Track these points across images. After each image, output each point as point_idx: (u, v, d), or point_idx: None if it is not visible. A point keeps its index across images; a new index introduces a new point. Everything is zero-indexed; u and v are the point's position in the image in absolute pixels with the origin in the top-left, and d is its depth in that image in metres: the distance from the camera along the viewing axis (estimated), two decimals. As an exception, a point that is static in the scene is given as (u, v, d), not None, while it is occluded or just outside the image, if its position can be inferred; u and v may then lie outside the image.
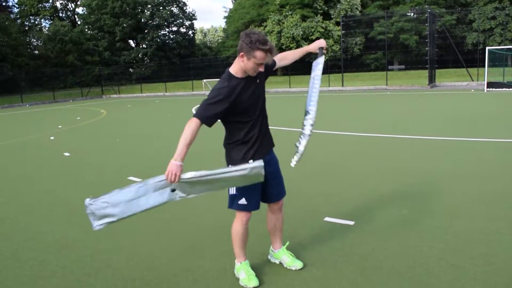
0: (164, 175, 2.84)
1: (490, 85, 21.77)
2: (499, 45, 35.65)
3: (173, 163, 2.83)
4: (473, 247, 3.47)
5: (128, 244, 3.95)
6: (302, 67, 48.11)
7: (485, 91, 21.33)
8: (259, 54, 2.76)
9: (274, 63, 3.26)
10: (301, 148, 3.04)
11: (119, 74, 49.98)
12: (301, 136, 3.11)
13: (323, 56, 3.23)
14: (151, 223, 4.46)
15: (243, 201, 3.04)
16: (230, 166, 2.96)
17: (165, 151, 8.93)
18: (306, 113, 3.14)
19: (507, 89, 21.12)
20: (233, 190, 3.05)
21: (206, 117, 2.82)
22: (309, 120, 3.05)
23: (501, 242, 3.55)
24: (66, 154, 9.07)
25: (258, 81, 3.01)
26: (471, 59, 33.04)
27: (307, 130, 3.05)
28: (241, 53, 2.81)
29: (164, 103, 26.38)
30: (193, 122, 2.83)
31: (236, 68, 2.91)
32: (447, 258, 3.31)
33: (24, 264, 3.65)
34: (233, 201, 3.08)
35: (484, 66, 23.31)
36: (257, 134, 3.01)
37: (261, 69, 2.88)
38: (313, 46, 3.32)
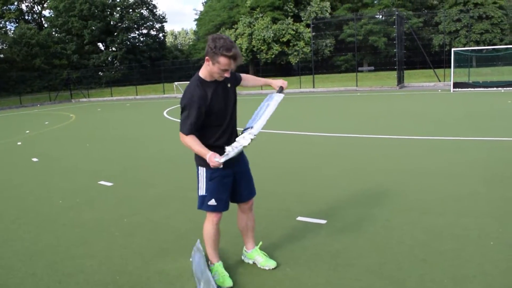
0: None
1: (456, 85, 22.39)
2: (464, 47, 36.73)
3: (208, 157, 2.81)
4: (442, 242, 3.58)
5: (101, 249, 3.90)
6: (274, 69, 48.45)
7: (452, 91, 21.92)
8: (222, 60, 2.78)
9: (240, 78, 3.32)
10: (232, 154, 2.96)
11: (88, 78, 49.09)
12: (236, 145, 2.94)
13: (281, 94, 3.24)
14: (124, 227, 4.41)
15: (212, 202, 3.06)
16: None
17: (136, 154, 8.85)
18: (248, 127, 3.01)
19: (472, 89, 21.77)
20: (202, 191, 3.08)
21: (189, 128, 2.89)
22: (251, 134, 2.92)
23: (469, 237, 3.67)
24: (35, 159, 8.88)
25: (229, 85, 3.05)
26: (437, 60, 33.93)
27: (246, 141, 2.92)
28: (207, 57, 2.84)
29: (135, 107, 26.07)
30: (185, 138, 2.92)
31: (205, 72, 2.94)
32: (417, 253, 3.41)
33: (-8, 272, 3.56)
34: (202, 202, 3.10)
35: (450, 67, 23.97)
36: (227, 139, 3.04)
37: (227, 74, 2.89)
38: (275, 83, 3.34)
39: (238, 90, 3.17)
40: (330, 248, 3.60)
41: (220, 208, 3.11)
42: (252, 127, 2.97)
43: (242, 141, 2.90)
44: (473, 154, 6.86)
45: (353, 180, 5.77)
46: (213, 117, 2.96)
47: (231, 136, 3.07)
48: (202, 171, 3.07)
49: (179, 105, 2.98)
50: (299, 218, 4.34)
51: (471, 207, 4.37)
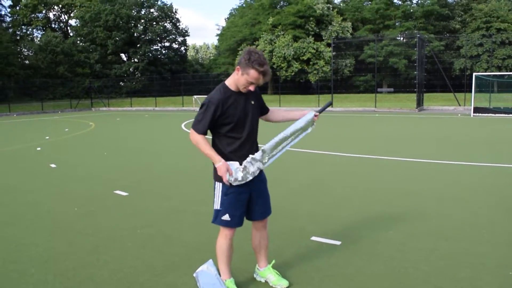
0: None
1: (476, 110, 22.15)
2: (485, 71, 36.37)
3: (219, 166, 2.93)
4: (458, 270, 3.49)
5: (113, 259, 3.90)
6: (293, 87, 48.60)
7: (472, 116, 21.68)
8: (252, 72, 2.85)
9: (267, 108, 3.35)
10: (249, 176, 3.04)
11: (109, 87, 49.90)
12: (255, 163, 3.06)
13: (312, 127, 3.31)
14: (136, 238, 4.41)
15: (226, 217, 3.06)
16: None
17: (153, 166, 8.90)
18: (271, 151, 3.13)
19: (493, 115, 21.49)
20: (217, 205, 3.09)
21: (201, 126, 2.95)
22: (259, 162, 3.06)
23: (486, 265, 3.57)
24: (53, 165, 8.99)
25: (252, 102, 3.09)
26: (458, 84, 33.65)
27: (263, 164, 3.09)
28: (238, 67, 2.91)
29: (154, 118, 26.34)
30: (196, 136, 2.98)
31: (231, 80, 3.01)
32: (432, 280, 3.33)
33: (4, 277, 3.58)
34: (216, 216, 3.11)
35: (471, 91, 23.74)
36: (246, 152, 3.05)
37: (252, 88, 2.95)
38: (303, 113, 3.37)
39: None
40: (344, 271, 3.54)
41: (234, 224, 3.10)
42: (263, 150, 3.08)
43: (251, 169, 3.02)
44: (491, 181, 6.73)
45: (369, 201, 5.69)
46: (230, 126, 2.99)
47: (250, 151, 3.09)
48: (219, 185, 3.08)
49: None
50: (313, 238, 4.29)
51: (489, 236, 4.27)
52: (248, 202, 3.15)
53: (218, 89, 3.00)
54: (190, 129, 3.03)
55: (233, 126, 3.00)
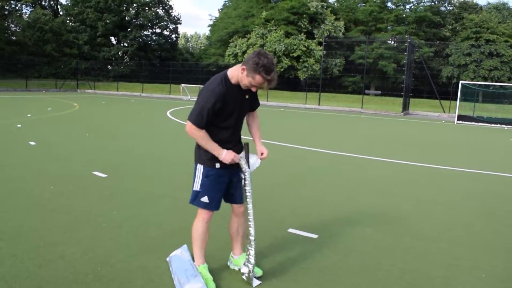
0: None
1: (460, 118, 22.43)
2: (472, 81, 36.80)
3: (225, 155, 2.95)
4: (433, 269, 3.51)
5: (86, 237, 3.82)
6: (281, 82, 48.54)
7: (455, 123, 21.93)
8: (258, 78, 2.78)
9: (257, 105, 3.27)
10: (246, 168, 3.07)
11: (96, 70, 49.21)
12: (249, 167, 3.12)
13: (257, 162, 3.20)
14: (112, 220, 4.34)
15: (205, 199, 3.05)
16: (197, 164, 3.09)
17: (134, 150, 8.80)
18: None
19: (476, 123, 21.78)
20: (197, 187, 3.07)
21: (200, 121, 2.87)
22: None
23: (461, 266, 3.60)
24: (32, 143, 8.82)
25: (247, 96, 3.04)
26: (444, 91, 34.00)
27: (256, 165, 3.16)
28: (244, 67, 2.82)
29: (140, 103, 26.06)
30: (196, 130, 2.89)
31: (234, 74, 2.93)
32: (406, 277, 3.33)
33: (-28, 249, 3.48)
34: (195, 197, 3.09)
35: (456, 99, 24.03)
36: (229, 143, 3.04)
37: (253, 89, 2.92)
38: (258, 149, 3.24)
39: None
40: (319, 264, 3.52)
41: (212, 206, 3.08)
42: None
43: (256, 164, 3.13)
44: (471, 186, 6.80)
45: (349, 198, 5.70)
46: (222, 117, 2.96)
47: (234, 141, 3.10)
48: (200, 167, 3.07)
49: (188, 106, 2.95)
50: (290, 230, 4.27)
51: (466, 238, 4.30)
52: (228, 187, 3.14)
53: (220, 81, 2.90)
54: (186, 121, 2.92)
55: (224, 118, 2.97)
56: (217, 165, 3.02)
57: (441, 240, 4.20)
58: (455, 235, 4.40)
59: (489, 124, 21.56)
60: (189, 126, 2.89)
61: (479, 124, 21.71)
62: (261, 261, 3.47)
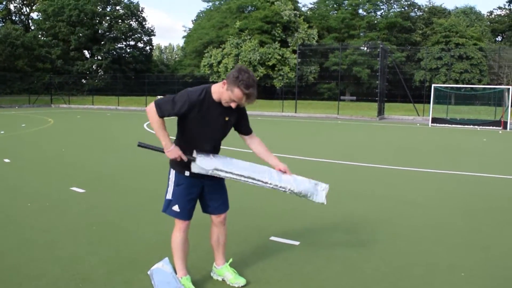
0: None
1: (434, 120, 22.90)
2: (444, 84, 37.64)
3: (172, 149, 2.95)
4: (413, 269, 3.58)
5: (67, 254, 3.77)
6: (258, 91, 48.83)
7: (430, 125, 22.38)
8: (237, 92, 2.79)
9: (248, 130, 3.26)
10: (196, 167, 3.01)
11: (70, 84, 48.52)
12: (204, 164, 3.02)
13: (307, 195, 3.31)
14: (92, 235, 4.29)
15: (176, 208, 3.06)
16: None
17: (111, 163, 8.71)
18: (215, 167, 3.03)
19: (449, 125, 22.27)
20: (169, 195, 3.09)
21: (163, 109, 2.88)
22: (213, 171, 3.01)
23: (439, 265, 3.68)
24: (6, 160, 8.64)
25: (226, 118, 3.02)
26: (418, 95, 34.71)
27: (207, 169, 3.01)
28: (225, 80, 2.85)
29: (116, 117, 25.81)
30: (156, 116, 2.90)
31: (216, 89, 2.94)
32: (390, 279, 3.39)
33: None
34: (167, 206, 3.11)
35: (429, 102, 24.54)
36: (189, 147, 3.04)
37: (233, 105, 2.89)
38: (277, 166, 3.33)
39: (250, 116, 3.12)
40: (302, 270, 3.55)
41: (183, 216, 3.09)
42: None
43: (206, 167, 2.95)
44: (448, 187, 6.94)
45: (329, 205, 5.72)
46: (192, 130, 2.99)
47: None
48: (172, 174, 3.10)
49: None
50: (272, 238, 4.29)
51: (445, 238, 4.39)
52: (202, 196, 3.16)
53: (201, 90, 2.92)
54: (152, 103, 2.94)
55: (193, 131, 2.99)
56: (187, 173, 3.04)
57: (421, 241, 4.29)
58: (434, 235, 4.49)
59: (462, 126, 22.07)
60: (151, 106, 2.91)
61: (453, 126, 22.20)
62: (244, 270, 3.48)
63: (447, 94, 26.57)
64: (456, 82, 44.26)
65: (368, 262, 3.72)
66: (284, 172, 3.24)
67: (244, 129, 3.23)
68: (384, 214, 5.26)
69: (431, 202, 5.92)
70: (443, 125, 22.40)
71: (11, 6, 61.31)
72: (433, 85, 24.69)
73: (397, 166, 8.89)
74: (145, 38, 63.85)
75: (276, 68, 48.53)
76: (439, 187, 6.94)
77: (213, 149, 3.12)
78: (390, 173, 8.25)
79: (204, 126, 2.98)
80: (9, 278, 3.29)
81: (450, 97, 28.78)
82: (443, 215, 5.29)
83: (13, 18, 61.48)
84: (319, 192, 3.29)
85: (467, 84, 42.67)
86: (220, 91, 2.90)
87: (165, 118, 2.91)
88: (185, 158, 2.95)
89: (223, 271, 3.34)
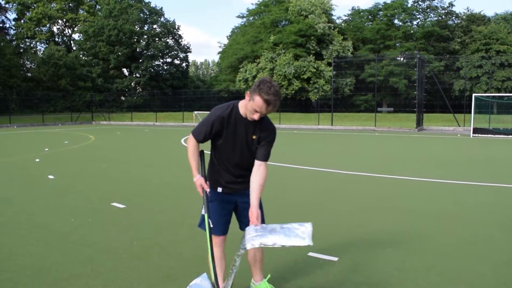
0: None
1: (476, 130, 22.20)
2: (485, 93, 36.53)
3: (196, 179, 3.05)
4: (456, 287, 3.45)
5: (107, 269, 3.85)
6: (293, 104, 48.83)
7: (471, 136, 21.71)
8: (257, 99, 2.82)
9: (264, 152, 3.03)
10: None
11: (110, 101, 50.04)
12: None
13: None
14: (132, 250, 4.37)
15: (210, 223, 3.07)
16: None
17: (151, 179, 8.87)
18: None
19: (492, 135, 21.52)
20: (203, 211, 3.11)
21: (198, 133, 3.03)
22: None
23: (484, 283, 3.53)
24: (51, 177, 8.95)
25: (254, 137, 3.03)
26: (457, 105, 33.78)
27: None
28: (247, 92, 2.92)
29: (154, 133, 26.36)
30: (192, 141, 3.07)
31: (242, 103, 3.01)
32: (430, 298, 3.28)
33: (-3, 286, 3.53)
34: (202, 221, 3.17)
35: (470, 112, 23.83)
36: (218, 180, 3.12)
37: (255, 117, 2.90)
38: (251, 215, 2.95)
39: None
40: (341, 286, 3.49)
41: (216, 231, 3.14)
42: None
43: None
44: (491, 200, 6.69)
45: (367, 218, 5.65)
46: (218, 145, 3.08)
47: (226, 179, 3.13)
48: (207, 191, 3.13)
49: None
50: (310, 254, 4.24)
51: (488, 254, 4.22)
52: (236, 213, 3.20)
53: (227, 105, 3.02)
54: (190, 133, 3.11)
55: (220, 147, 3.05)
56: (219, 189, 3.12)
57: (463, 257, 4.14)
58: (477, 251, 4.32)
59: (506, 136, 21.29)
60: (190, 137, 3.09)
61: (496, 136, 21.45)
62: (282, 286, 3.46)
63: (489, 103, 25.78)
64: (498, 90, 42.87)
65: (409, 279, 3.62)
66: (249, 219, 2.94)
67: (261, 153, 3.04)
68: (424, 229, 5.11)
69: (473, 216, 5.72)
70: (486, 135, 21.68)
71: (54, 28, 64.16)
72: (473, 95, 24.00)
73: (438, 179, 8.65)
74: (182, 55, 65.33)
75: (311, 81, 48.47)
76: (481, 201, 6.70)
77: (243, 170, 3.10)
78: (430, 186, 8.03)
79: (232, 142, 3.03)
80: (53, 292, 3.38)
81: (492, 106, 27.92)
82: (485, 230, 5.09)
83: (56, 39, 64.24)
84: (299, 235, 2.70)
85: (510, 92, 41.24)
86: (245, 104, 2.96)
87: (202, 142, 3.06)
88: (206, 188, 3.04)
89: (261, 287, 3.32)
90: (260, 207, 3.23)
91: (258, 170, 3.02)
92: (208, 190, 3.04)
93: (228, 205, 3.14)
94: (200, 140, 3.03)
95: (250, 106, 2.89)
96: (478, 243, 4.59)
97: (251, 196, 2.98)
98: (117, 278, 3.66)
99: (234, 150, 3.05)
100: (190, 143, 3.07)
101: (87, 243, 4.59)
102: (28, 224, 5.37)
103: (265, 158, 3.05)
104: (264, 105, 2.82)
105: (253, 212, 2.91)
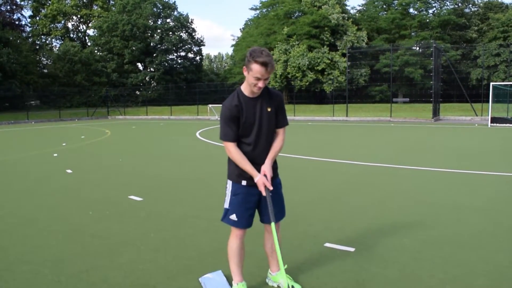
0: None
1: (494, 120, 21.86)
2: (503, 81, 35.90)
3: (258, 179, 3.00)
4: (474, 278, 3.42)
5: (126, 261, 3.91)
6: (308, 96, 48.63)
7: (489, 126, 21.39)
8: (254, 66, 2.83)
9: (281, 123, 3.15)
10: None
11: (125, 96, 50.46)
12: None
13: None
14: (150, 242, 4.42)
15: (233, 217, 3.09)
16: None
17: (167, 172, 8.94)
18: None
19: (510, 125, 21.17)
20: (227, 204, 3.13)
21: (226, 134, 3.00)
22: None
23: (503, 274, 3.50)
24: (69, 171, 9.09)
25: (268, 109, 3.05)
26: (475, 94, 33.31)
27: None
28: (244, 67, 2.92)
29: (169, 126, 26.52)
30: (227, 145, 3.03)
31: (245, 84, 3.01)
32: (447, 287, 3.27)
33: (19, 277, 3.61)
34: (225, 215, 3.15)
35: (488, 101, 23.47)
36: (254, 160, 3.05)
37: (261, 84, 2.89)
38: (263, 169, 3.07)
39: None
40: (357, 277, 3.49)
41: (241, 224, 3.11)
42: None
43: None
44: (510, 190, 6.60)
45: (384, 209, 5.63)
46: (241, 130, 3.02)
47: (260, 158, 3.07)
48: (229, 184, 3.13)
49: (216, 126, 3.05)
50: (327, 244, 4.25)
51: (508, 245, 4.18)
52: (259, 205, 3.16)
53: (233, 95, 3.03)
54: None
55: (242, 131, 3.01)
56: (244, 182, 3.07)
57: (481, 248, 4.10)
58: (496, 242, 4.28)
59: (524, 125, 20.94)
60: (224, 144, 3.03)
61: (514, 125, 21.10)
62: (299, 277, 3.47)
63: (507, 92, 25.29)
64: (517, 79, 42.08)
65: (425, 270, 3.60)
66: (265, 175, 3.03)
67: (280, 120, 3.14)
68: (441, 220, 5.07)
69: (491, 206, 5.65)
70: (504, 124, 21.33)
71: (69, 25, 64.83)
72: (491, 83, 23.59)
73: (455, 169, 8.55)
74: (195, 49, 65.47)
75: (325, 73, 48.18)
76: (500, 191, 6.63)
77: (269, 145, 3.11)
78: (448, 176, 7.95)
79: (251, 124, 3.01)
80: (72, 284, 3.45)
81: (511, 95, 27.41)
82: (504, 220, 5.03)
83: (71, 35, 64.88)
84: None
85: (529, 81, 40.45)
86: (245, 82, 2.98)
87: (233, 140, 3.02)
88: (270, 186, 2.99)
89: (278, 277, 3.34)
90: (278, 195, 3.25)
91: (279, 137, 3.17)
92: (271, 188, 2.99)
93: (252, 197, 3.11)
94: (232, 137, 2.97)
95: (250, 78, 2.88)
96: (497, 234, 4.54)
97: (266, 158, 3.09)
98: (136, 269, 3.72)
99: (252, 131, 3.02)
100: (228, 148, 3.01)
101: (106, 235, 4.66)
102: (47, 217, 5.47)
103: (284, 123, 3.18)
104: (263, 68, 2.82)
105: (265, 170, 3.02)
